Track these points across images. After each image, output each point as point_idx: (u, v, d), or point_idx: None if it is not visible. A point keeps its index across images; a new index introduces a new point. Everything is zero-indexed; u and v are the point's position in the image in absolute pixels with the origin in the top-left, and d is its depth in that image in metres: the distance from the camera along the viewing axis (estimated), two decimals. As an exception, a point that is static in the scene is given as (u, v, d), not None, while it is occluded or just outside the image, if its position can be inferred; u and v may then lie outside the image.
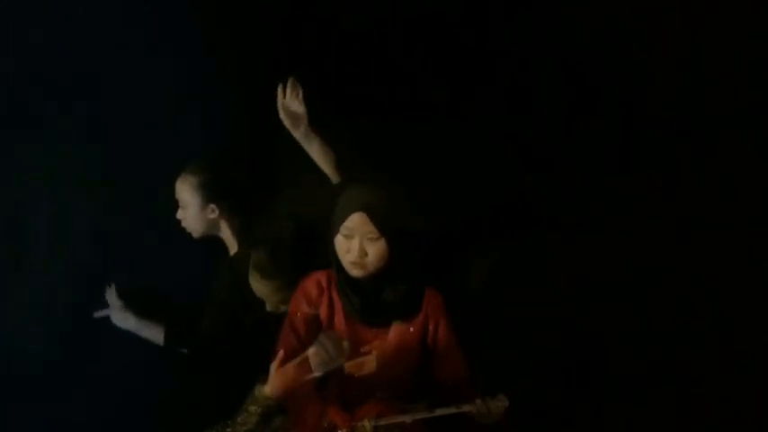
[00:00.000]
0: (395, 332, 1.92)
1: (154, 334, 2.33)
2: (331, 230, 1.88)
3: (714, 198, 2.49)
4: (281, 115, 2.11)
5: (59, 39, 2.40)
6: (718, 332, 2.47)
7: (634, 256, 2.51)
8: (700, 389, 2.45)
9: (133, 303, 2.38)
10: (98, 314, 2.39)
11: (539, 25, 2.57)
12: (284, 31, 2.57)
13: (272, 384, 1.79)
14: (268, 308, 2.16)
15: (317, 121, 2.15)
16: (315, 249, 2.08)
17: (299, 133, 2.12)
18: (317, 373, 1.73)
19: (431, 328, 1.95)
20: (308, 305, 1.94)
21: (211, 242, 2.42)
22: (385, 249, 1.84)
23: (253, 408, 1.81)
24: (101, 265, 2.48)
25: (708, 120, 2.51)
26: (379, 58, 2.56)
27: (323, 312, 1.93)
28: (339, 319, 1.93)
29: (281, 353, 1.79)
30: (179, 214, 2.34)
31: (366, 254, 1.83)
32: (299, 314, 1.93)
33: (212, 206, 2.31)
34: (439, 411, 1.75)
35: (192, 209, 2.31)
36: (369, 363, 1.86)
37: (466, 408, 1.74)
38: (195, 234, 2.36)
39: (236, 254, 2.35)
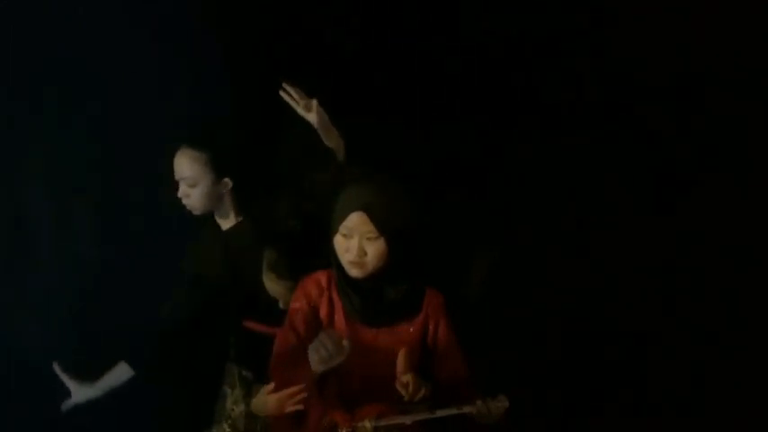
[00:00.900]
0: (395, 332, 1.92)
1: (120, 373, 2.22)
2: (330, 230, 1.88)
3: (714, 198, 2.49)
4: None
5: (59, 39, 2.40)
6: (718, 332, 2.47)
7: (634, 256, 2.52)
8: (700, 389, 2.45)
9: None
10: (65, 406, 2.23)
11: (539, 25, 2.58)
12: (284, 31, 2.58)
13: (260, 407, 1.84)
14: (281, 306, 2.15)
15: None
16: (324, 248, 2.06)
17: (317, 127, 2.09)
18: (315, 371, 1.73)
19: (431, 328, 1.94)
20: (307, 304, 1.94)
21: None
22: (384, 249, 1.83)
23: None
24: (101, 265, 2.48)
25: (708, 120, 2.51)
26: (379, 57, 2.56)
27: (323, 312, 1.93)
28: (339, 319, 1.92)
29: (271, 385, 1.80)
30: (181, 192, 2.21)
31: (365, 253, 1.83)
32: (298, 313, 1.93)
33: (226, 180, 2.20)
34: (439, 412, 1.74)
35: (203, 185, 2.18)
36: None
37: (466, 409, 1.74)
38: (197, 212, 2.23)
39: (232, 227, 2.27)
